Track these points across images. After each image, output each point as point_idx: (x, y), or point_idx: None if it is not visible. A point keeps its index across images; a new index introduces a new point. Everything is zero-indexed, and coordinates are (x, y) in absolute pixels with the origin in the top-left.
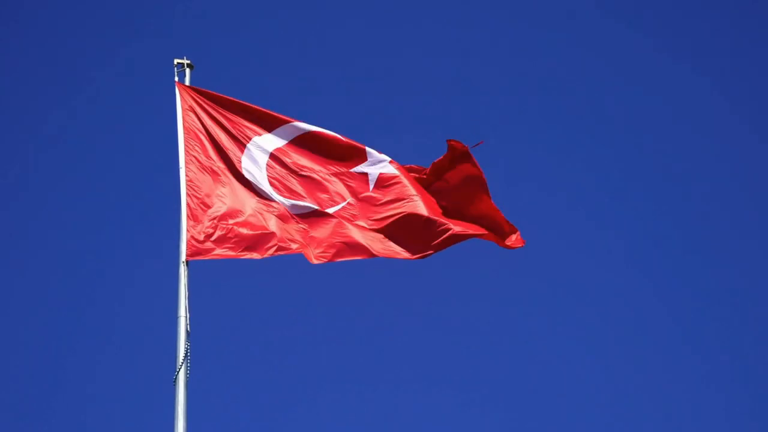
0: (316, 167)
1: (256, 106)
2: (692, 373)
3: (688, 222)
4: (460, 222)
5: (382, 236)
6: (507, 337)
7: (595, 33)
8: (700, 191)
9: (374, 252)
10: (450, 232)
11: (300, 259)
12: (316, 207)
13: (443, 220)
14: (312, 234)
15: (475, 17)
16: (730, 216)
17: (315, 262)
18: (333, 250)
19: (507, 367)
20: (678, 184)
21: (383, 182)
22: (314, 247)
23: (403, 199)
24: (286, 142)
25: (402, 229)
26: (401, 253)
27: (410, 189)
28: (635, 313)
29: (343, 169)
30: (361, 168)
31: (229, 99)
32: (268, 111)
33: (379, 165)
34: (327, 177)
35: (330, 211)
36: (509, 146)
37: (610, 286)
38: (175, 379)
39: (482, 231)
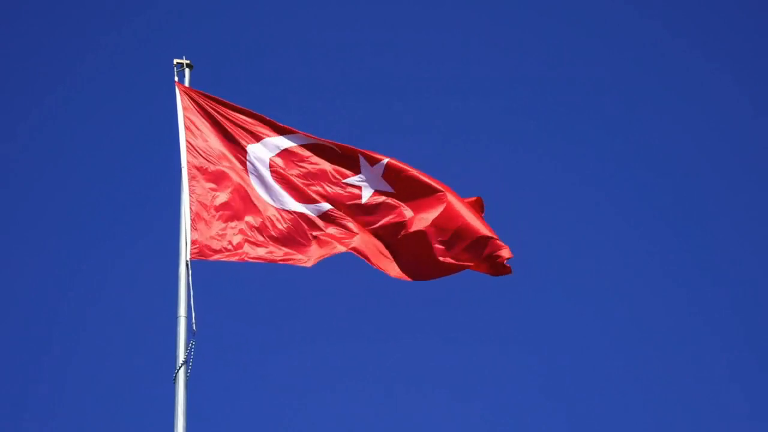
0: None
1: (253, 112)
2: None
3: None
4: (450, 254)
5: (378, 243)
6: (508, 340)
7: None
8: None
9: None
10: (444, 267)
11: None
12: (315, 207)
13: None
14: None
15: (472, 18)
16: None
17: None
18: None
19: (508, 368)
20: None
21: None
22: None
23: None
24: (286, 147)
25: (402, 247)
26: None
27: (405, 210)
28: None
29: (337, 179)
30: (353, 180)
31: (225, 102)
32: (264, 117)
33: (373, 179)
34: (322, 183)
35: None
36: (509, 146)
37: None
38: (175, 378)
39: (470, 264)
